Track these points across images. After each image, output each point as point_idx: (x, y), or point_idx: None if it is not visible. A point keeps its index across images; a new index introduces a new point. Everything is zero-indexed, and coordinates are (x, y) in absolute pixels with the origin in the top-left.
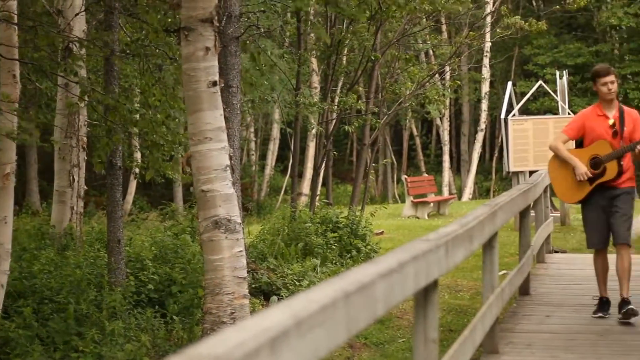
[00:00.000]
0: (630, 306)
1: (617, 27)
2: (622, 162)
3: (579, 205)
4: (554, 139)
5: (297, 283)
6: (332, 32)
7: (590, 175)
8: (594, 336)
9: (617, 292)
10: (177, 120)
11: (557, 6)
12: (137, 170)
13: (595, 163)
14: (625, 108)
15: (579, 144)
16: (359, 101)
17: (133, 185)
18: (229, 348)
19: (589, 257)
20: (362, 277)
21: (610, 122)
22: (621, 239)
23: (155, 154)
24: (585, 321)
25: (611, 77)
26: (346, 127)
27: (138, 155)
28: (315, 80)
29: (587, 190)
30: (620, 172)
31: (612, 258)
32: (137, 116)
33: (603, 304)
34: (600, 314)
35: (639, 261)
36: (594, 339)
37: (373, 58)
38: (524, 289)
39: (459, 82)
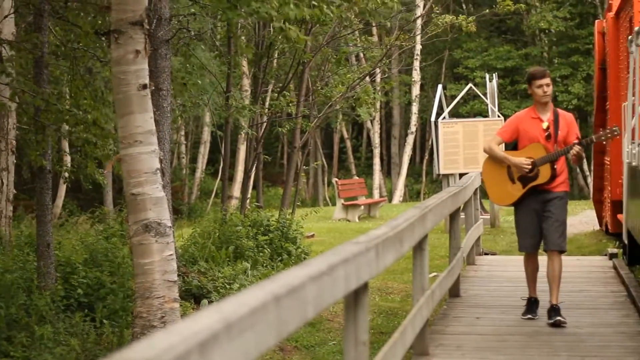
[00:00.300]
0: (559, 317)
1: (547, 31)
2: (555, 166)
3: (510, 208)
4: (488, 141)
5: (227, 286)
6: (263, 35)
7: (528, 163)
8: (524, 338)
9: (548, 293)
10: (107, 124)
11: (487, 9)
12: (66, 174)
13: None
14: (560, 111)
15: (513, 147)
16: (290, 104)
17: (63, 189)
18: (159, 352)
19: (518, 259)
20: (292, 280)
21: (545, 125)
22: (553, 246)
23: (88, 150)
24: (515, 323)
25: (547, 80)
26: (278, 129)
27: (68, 159)
28: (246, 83)
29: (520, 193)
30: (553, 176)
31: (543, 260)
32: (68, 117)
33: (532, 304)
34: (529, 316)
35: (570, 263)
36: (524, 341)
37: (304, 57)
38: (454, 291)
39: (393, 83)
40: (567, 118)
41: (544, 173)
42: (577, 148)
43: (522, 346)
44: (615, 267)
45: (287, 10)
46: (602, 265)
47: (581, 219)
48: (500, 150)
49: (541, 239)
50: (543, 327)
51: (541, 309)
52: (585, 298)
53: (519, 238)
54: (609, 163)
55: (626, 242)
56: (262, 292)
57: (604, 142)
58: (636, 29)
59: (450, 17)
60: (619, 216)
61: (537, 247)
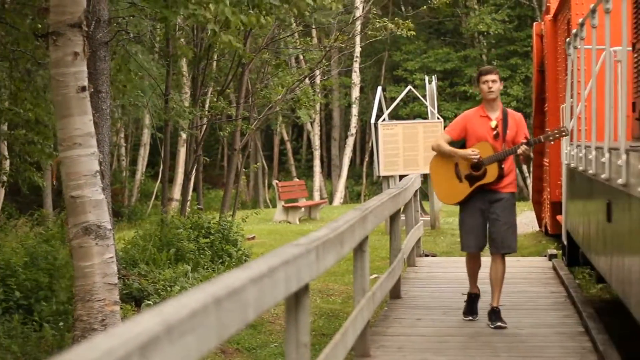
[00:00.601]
0: (499, 323)
1: (485, 33)
2: (503, 166)
3: (450, 210)
4: (436, 139)
5: (168, 289)
6: (202, 37)
7: (476, 152)
8: (465, 338)
9: (489, 294)
10: (50, 121)
11: (424, 7)
12: (4, 178)
13: (476, 165)
14: (510, 111)
15: (462, 145)
16: (230, 106)
17: (1, 193)
18: (99, 355)
19: (459, 260)
20: (233, 282)
21: (493, 123)
22: (501, 249)
23: (29, 151)
24: (455, 324)
25: (492, 76)
26: (218, 132)
27: (7, 162)
28: (186, 85)
29: (467, 192)
30: (501, 175)
31: (485, 260)
32: (10, 116)
33: (472, 301)
34: (470, 317)
35: (510, 264)
36: (465, 341)
37: (244, 59)
38: (395, 293)
39: (332, 82)
40: (517, 118)
41: (491, 172)
42: (523, 147)
43: (463, 347)
44: (554, 268)
45: (223, 16)
46: (542, 266)
47: (521, 220)
48: (447, 145)
49: (485, 239)
50: (484, 328)
51: (482, 310)
52: (526, 299)
53: (462, 238)
54: (548, 164)
55: (565, 243)
56: (203, 295)
57: (552, 142)
58: (574, 31)
59: (391, 25)
60: (558, 217)
61: (481, 248)
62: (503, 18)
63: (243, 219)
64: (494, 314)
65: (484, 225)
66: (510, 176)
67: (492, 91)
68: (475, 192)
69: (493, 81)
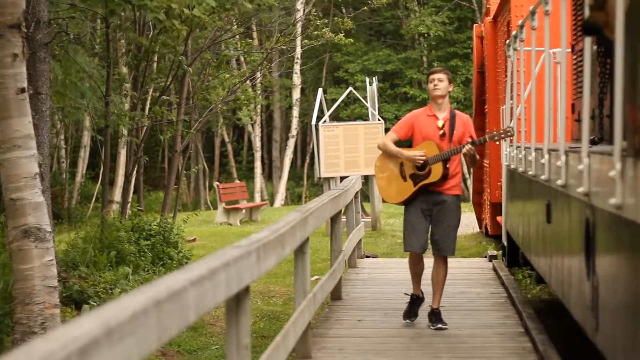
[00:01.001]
0: (440, 324)
1: (426, 35)
2: (448, 166)
3: (391, 211)
4: (383, 138)
5: (109, 291)
6: (141, 40)
7: (421, 154)
8: (406, 340)
9: (431, 295)
10: None
11: (365, 7)
12: None
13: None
14: (457, 112)
15: (408, 145)
16: (170, 109)
17: None
18: (39, 358)
19: (399, 262)
20: (173, 285)
21: (440, 123)
22: (442, 251)
23: None
24: (397, 325)
25: (439, 75)
26: (159, 135)
27: None
28: (126, 87)
29: (411, 192)
30: (445, 176)
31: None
32: None
33: (414, 303)
34: (407, 320)
35: (451, 265)
36: (406, 343)
37: (185, 66)
38: (336, 294)
39: (271, 79)
40: (464, 119)
41: (436, 172)
42: (467, 147)
43: (404, 348)
44: (495, 269)
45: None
46: (482, 267)
47: (461, 221)
48: (393, 145)
49: (427, 241)
50: (425, 329)
51: (422, 312)
52: (466, 300)
53: (405, 237)
54: (488, 166)
55: (505, 244)
56: (143, 297)
57: (497, 142)
58: (514, 33)
59: (330, 34)
60: (499, 218)
61: (424, 248)
62: (443, 20)
63: (184, 220)
64: (435, 316)
65: (427, 225)
66: (456, 179)
67: (437, 88)
68: (420, 192)
69: (439, 80)
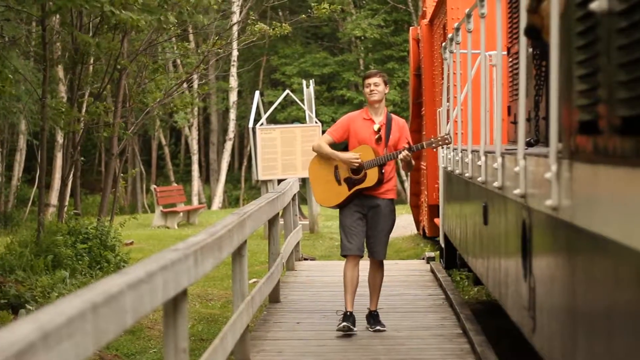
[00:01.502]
0: (378, 327)
1: (362, 37)
2: (383, 171)
3: (329, 213)
4: (318, 140)
5: (46, 295)
6: (86, 37)
7: (357, 156)
8: (344, 342)
9: (367, 296)
10: None
11: (303, 15)
12: None
13: (356, 168)
14: (394, 116)
15: (344, 148)
16: (107, 111)
17: None
18: None
19: (337, 264)
20: (110, 288)
21: (376, 127)
22: (377, 255)
23: None
24: (335, 327)
25: (374, 79)
26: (95, 135)
27: None
28: (62, 89)
29: (346, 196)
30: (380, 180)
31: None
32: None
33: (347, 318)
34: (342, 330)
35: (389, 267)
36: (344, 345)
37: (119, 67)
38: (274, 297)
39: (207, 88)
40: (400, 124)
41: (371, 176)
42: (404, 153)
43: (343, 350)
44: (432, 271)
45: None
46: (420, 269)
47: (399, 223)
48: (328, 147)
49: (364, 243)
50: (363, 331)
51: (361, 313)
52: (404, 301)
53: (342, 241)
54: (425, 168)
55: (443, 245)
56: (80, 301)
57: (435, 149)
58: (450, 35)
59: (264, 26)
60: (436, 220)
61: (361, 251)
62: (379, 23)
63: (121, 224)
64: (373, 318)
65: (363, 228)
66: (391, 182)
67: (373, 93)
68: (354, 196)
69: (375, 84)
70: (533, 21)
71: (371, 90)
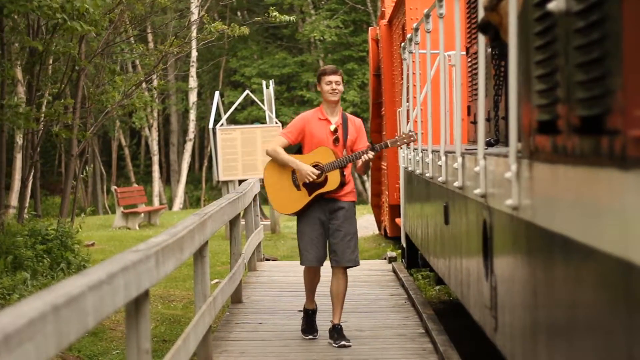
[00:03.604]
0: (343, 342)
1: (322, 38)
2: (344, 173)
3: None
4: (272, 143)
5: (6, 297)
6: (35, 43)
7: (316, 174)
8: (307, 342)
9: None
10: None
11: (260, 18)
12: None
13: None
14: (349, 116)
15: (298, 149)
16: (66, 112)
17: None
18: None
19: (299, 265)
20: (71, 290)
21: (332, 127)
22: (343, 262)
23: None
24: (298, 327)
25: (336, 77)
26: (54, 137)
27: None
28: (21, 90)
29: (306, 201)
30: (342, 183)
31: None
32: None
33: (309, 317)
34: (310, 336)
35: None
36: (307, 345)
37: (77, 65)
38: (237, 297)
39: (162, 83)
40: (357, 124)
41: (333, 180)
42: (370, 154)
43: (305, 350)
44: (394, 271)
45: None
46: (382, 269)
47: (360, 223)
48: (284, 152)
49: (326, 252)
50: (326, 331)
51: (324, 314)
52: (366, 301)
53: (302, 251)
54: (386, 168)
55: (404, 245)
56: (41, 303)
57: (400, 148)
58: (409, 36)
59: (223, 25)
60: (397, 220)
61: (322, 261)
62: (337, 25)
63: (81, 225)
64: (337, 332)
65: (324, 236)
66: (351, 184)
67: (335, 92)
68: (314, 201)
69: (337, 82)
70: (491, 19)
71: (333, 89)
